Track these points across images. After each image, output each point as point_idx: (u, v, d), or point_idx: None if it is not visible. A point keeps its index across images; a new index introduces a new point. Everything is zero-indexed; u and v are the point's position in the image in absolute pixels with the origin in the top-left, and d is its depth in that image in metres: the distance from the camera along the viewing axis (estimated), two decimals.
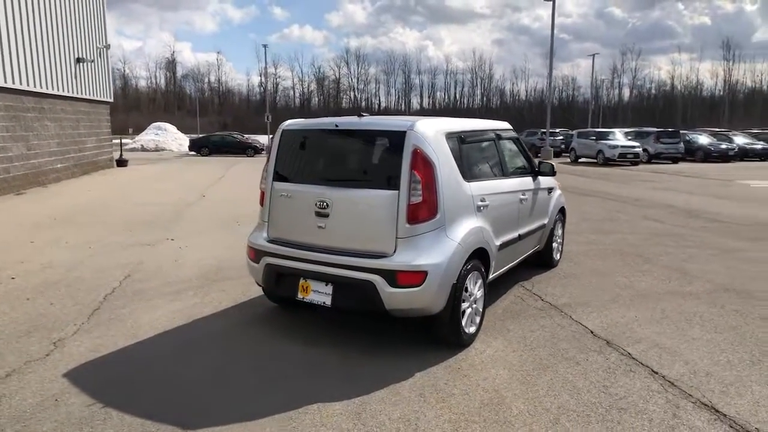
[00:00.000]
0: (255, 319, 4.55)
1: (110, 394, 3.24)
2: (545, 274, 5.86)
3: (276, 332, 4.23)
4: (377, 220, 3.64)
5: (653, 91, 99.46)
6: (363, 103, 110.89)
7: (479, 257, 3.99)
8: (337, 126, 3.94)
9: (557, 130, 33.43)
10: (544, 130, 29.05)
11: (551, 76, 28.68)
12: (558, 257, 6.26)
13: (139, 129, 40.33)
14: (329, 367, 3.63)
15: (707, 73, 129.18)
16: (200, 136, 37.60)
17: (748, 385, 3.38)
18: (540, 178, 5.51)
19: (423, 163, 3.59)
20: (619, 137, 23.97)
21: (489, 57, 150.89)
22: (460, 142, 4.08)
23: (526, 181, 5.18)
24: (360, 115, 4.11)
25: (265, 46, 41.85)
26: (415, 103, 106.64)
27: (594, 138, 23.97)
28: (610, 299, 5.03)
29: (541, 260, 5.94)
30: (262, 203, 4.22)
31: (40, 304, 4.83)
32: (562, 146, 29.80)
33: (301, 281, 3.85)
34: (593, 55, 49.55)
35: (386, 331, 4.22)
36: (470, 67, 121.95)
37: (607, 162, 22.91)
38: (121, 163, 20.16)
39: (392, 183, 3.62)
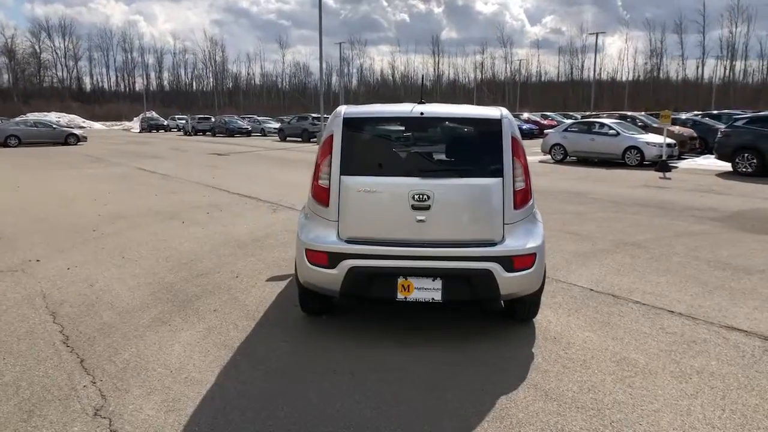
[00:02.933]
0: (308, 331, 4.05)
1: None
2: None
3: (354, 341, 3.86)
4: (483, 208, 3.67)
5: (376, 80, 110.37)
6: (74, 82, 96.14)
7: None
8: (422, 114, 3.76)
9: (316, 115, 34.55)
10: (316, 115, 29.95)
11: (322, 61, 29.61)
12: None
13: None
14: (456, 360, 3.57)
15: (420, 65, 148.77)
16: None
17: (729, 309, 4.50)
18: None
19: (519, 151, 3.74)
20: None
21: (220, 39, 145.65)
22: None
23: None
24: (421, 102, 3.99)
25: None
26: (139, 83, 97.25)
27: None
28: (566, 262, 5.90)
29: None
30: (325, 202, 3.76)
31: None
32: None
33: (401, 280, 3.62)
34: (340, 43, 52.50)
35: (439, 317, 4.25)
36: (201, 47, 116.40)
37: None
38: None
39: (495, 171, 3.68)
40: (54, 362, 3.53)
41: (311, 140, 30.31)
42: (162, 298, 4.73)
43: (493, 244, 3.65)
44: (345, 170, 3.72)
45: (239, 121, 41.69)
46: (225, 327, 4.11)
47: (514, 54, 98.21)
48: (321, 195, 3.78)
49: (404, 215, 3.63)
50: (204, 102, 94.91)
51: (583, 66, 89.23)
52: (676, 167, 15.39)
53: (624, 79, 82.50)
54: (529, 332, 4.03)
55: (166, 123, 52.76)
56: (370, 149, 3.87)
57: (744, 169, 13.52)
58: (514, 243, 3.66)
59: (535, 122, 33.75)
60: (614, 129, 16.43)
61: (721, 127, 19.10)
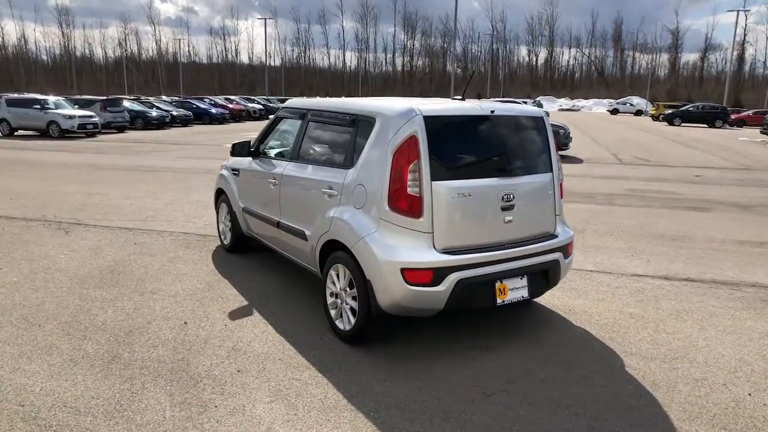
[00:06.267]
0: (386, 361, 3.52)
1: None
2: None
3: (433, 361, 3.58)
4: (546, 202, 3.89)
5: None
6: None
7: None
8: (493, 112, 3.66)
9: None
10: None
11: None
12: None
13: None
14: (536, 354, 3.73)
15: (40, 36, 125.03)
16: None
17: (616, 262, 5.85)
18: None
19: (556, 146, 4.05)
20: (66, 105, 21.75)
21: None
22: None
23: None
24: (462, 98, 3.88)
25: None
26: None
27: (39, 107, 20.82)
28: None
29: None
30: (418, 212, 3.33)
31: None
32: None
33: (498, 284, 3.56)
34: None
35: (451, 320, 4.31)
36: None
37: (64, 134, 20.61)
38: None
39: (548, 165, 3.92)
40: None
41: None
42: (140, 378, 3.29)
43: (553, 235, 3.92)
44: (434, 175, 3.37)
45: None
46: (289, 386, 3.23)
47: (162, 32, 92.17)
48: (412, 205, 3.35)
49: (495, 217, 3.57)
50: None
51: (236, 49, 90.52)
52: None
53: (277, 64, 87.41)
54: (546, 311, 4.46)
55: None
56: (454, 151, 3.58)
57: None
58: (564, 232, 4.02)
59: (222, 106, 33.02)
60: None
61: None
